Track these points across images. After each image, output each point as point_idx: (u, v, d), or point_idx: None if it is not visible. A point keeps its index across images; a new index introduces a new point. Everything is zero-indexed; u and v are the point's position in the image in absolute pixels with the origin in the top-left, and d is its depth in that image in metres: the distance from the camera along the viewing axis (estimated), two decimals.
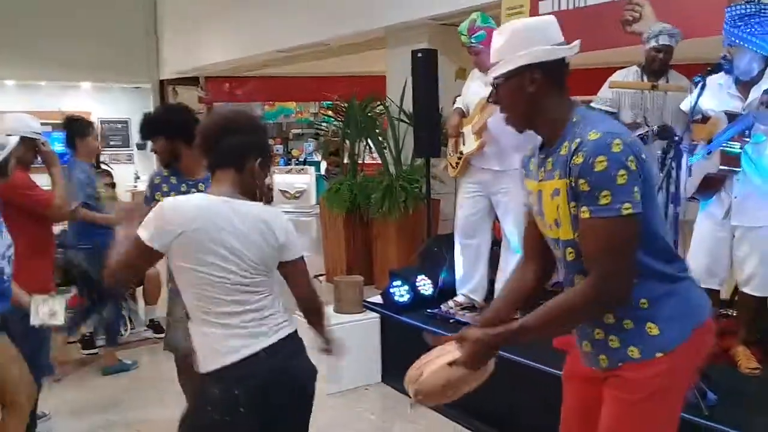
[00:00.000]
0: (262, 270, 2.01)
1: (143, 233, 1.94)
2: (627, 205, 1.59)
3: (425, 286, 4.59)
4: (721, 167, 3.17)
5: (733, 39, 3.16)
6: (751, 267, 3.23)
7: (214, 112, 2.15)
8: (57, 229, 4.90)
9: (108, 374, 4.76)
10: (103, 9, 9.80)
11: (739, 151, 3.14)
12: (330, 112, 7.53)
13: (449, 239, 4.73)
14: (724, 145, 3.13)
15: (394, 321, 4.34)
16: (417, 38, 6.09)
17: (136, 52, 10.42)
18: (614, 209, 1.59)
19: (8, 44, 9.15)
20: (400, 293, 4.46)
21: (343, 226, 6.17)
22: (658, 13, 4.02)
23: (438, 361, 1.84)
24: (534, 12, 4.74)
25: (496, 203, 4.17)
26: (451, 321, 4.13)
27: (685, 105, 3.38)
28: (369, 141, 6.64)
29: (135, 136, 10.73)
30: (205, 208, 1.96)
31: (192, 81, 10.88)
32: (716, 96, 3.24)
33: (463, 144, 4.19)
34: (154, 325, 5.59)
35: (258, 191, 2.08)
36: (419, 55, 5.27)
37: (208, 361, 2.01)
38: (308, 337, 2.23)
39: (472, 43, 4.01)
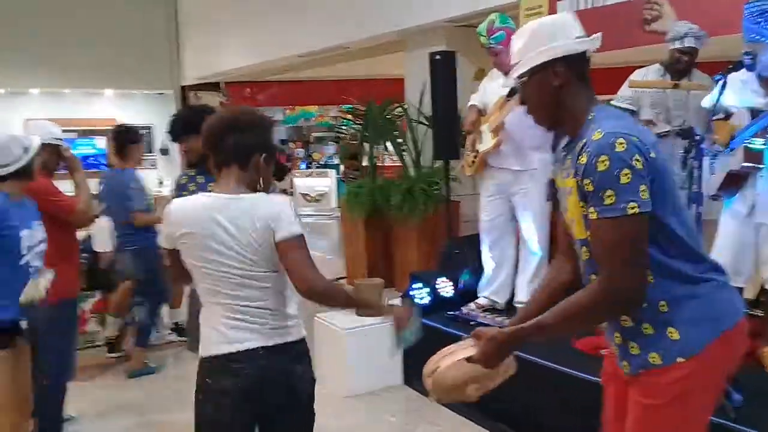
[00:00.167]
0: (262, 264, 2.01)
1: (160, 237, 2.05)
2: (632, 204, 1.57)
3: (446, 288, 4.58)
4: (744, 164, 3.12)
5: (753, 35, 3.11)
6: None
7: (218, 111, 2.17)
8: (82, 234, 5.01)
9: (133, 377, 4.82)
10: (125, 17, 9.92)
11: (763, 147, 3.10)
12: (349, 116, 7.56)
13: (470, 241, 4.73)
14: (747, 141, 3.09)
15: None
16: (435, 40, 6.08)
17: (157, 58, 10.52)
18: (619, 209, 1.58)
19: (32, 53, 9.29)
20: (421, 295, 4.46)
21: (363, 229, 6.19)
22: (678, 11, 3.98)
23: (453, 356, 1.85)
24: (552, 12, 4.71)
25: (516, 204, 4.16)
26: (472, 323, 4.11)
27: (707, 103, 3.34)
28: (388, 144, 6.66)
29: (158, 142, 10.84)
30: (201, 208, 2.03)
31: (213, 86, 10.96)
32: (739, 93, 3.20)
33: (480, 142, 4.18)
34: (177, 328, 5.66)
35: (263, 184, 2.11)
36: (437, 57, 5.27)
37: (205, 347, 2.09)
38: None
39: (491, 44, 4.00)
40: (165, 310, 5.77)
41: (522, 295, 4.15)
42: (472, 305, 4.34)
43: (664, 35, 3.95)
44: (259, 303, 2.04)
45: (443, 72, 5.23)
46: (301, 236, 2.00)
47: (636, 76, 4.01)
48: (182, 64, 10.82)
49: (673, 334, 1.68)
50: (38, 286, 2.86)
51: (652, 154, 1.61)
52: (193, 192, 3.12)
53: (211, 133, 2.09)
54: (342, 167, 11.36)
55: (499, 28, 3.94)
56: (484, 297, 4.34)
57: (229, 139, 2.05)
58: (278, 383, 2.05)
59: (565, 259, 1.96)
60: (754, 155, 3.11)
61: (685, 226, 1.70)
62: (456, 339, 1.99)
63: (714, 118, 3.19)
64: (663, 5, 4.11)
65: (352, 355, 4.29)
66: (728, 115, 3.25)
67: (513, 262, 4.31)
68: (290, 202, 2.06)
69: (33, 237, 2.86)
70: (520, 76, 1.79)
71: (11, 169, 2.83)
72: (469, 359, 1.81)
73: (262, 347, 2.03)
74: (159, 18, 10.55)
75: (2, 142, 2.86)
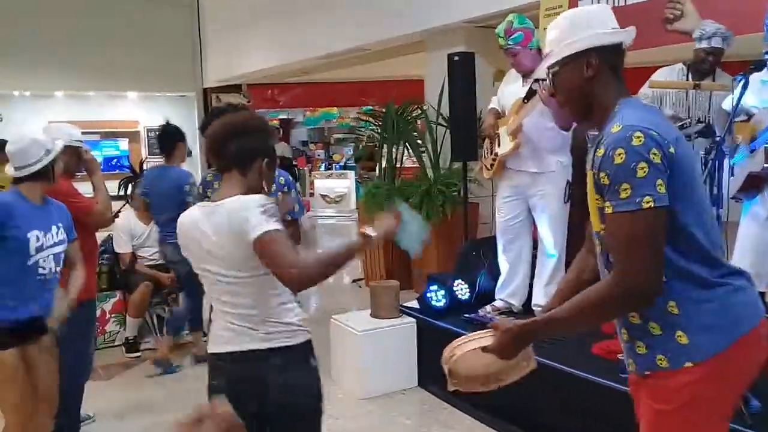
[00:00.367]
0: (244, 268, 1.99)
1: None
2: (648, 198, 1.54)
3: (462, 290, 4.55)
4: (766, 165, 3.07)
5: None
6: None
7: (222, 117, 2.18)
8: (103, 235, 5.08)
9: (152, 377, 4.85)
10: (148, 20, 10.02)
11: None
12: (368, 117, 7.57)
13: (487, 243, 4.69)
14: None
15: (430, 326, 4.32)
16: (455, 41, 6.06)
17: (180, 61, 10.63)
18: (634, 202, 1.55)
19: (57, 56, 9.43)
20: (437, 298, 4.43)
21: None
22: (700, 10, 3.92)
23: (470, 344, 1.86)
24: None
25: (533, 206, 4.12)
26: (488, 326, 4.08)
27: (727, 104, 3.28)
28: (407, 145, 6.65)
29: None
30: (192, 218, 2.09)
31: (235, 88, 11.06)
32: (760, 93, 3.15)
33: (498, 145, 4.15)
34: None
35: (265, 189, 2.12)
36: (456, 58, 5.25)
37: (208, 346, 2.19)
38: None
39: (509, 45, 3.96)
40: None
41: (538, 298, 4.11)
42: (488, 308, 4.31)
43: (685, 35, 3.89)
44: (241, 309, 2.05)
45: (462, 73, 5.20)
46: (274, 231, 1.91)
47: (658, 75, 3.95)
48: (204, 67, 10.92)
49: (682, 338, 1.64)
50: (62, 308, 2.93)
51: (672, 149, 1.58)
52: (216, 189, 3.17)
53: (214, 138, 2.10)
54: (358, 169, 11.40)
55: (517, 29, 3.91)
56: (501, 300, 4.31)
57: (232, 144, 2.06)
58: (246, 391, 2.02)
59: (589, 254, 1.94)
60: None
61: (705, 228, 1.65)
62: None
63: (736, 119, 3.12)
64: (685, 4, 4.04)
65: (367, 357, 4.28)
66: (750, 116, 3.20)
67: (529, 265, 4.27)
68: (261, 199, 1.97)
69: (47, 239, 2.88)
70: (552, 66, 1.77)
71: (30, 170, 2.87)
72: (484, 349, 1.82)
73: (239, 351, 2.05)
74: (181, 21, 10.65)
75: (24, 144, 2.89)
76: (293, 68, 9.28)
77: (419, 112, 6.66)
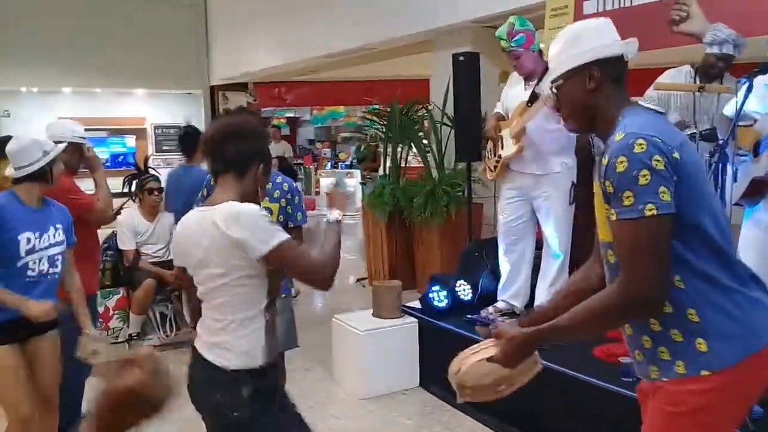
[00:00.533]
0: (216, 275, 2.00)
1: None
2: (650, 206, 1.55)
3: (464, 291, 4.54)
4: None
5: None
6: None
7: (218, 120, 2.18)
8: (107, 232, 5.10)
9: None
10: (155, 18, 10.07)
11: None
12: (373, 116, 7.56)
13: (491, 243, 4.68)
14: None
15: (432, 326, 4.31)
16: (461, 41, 6.05)
17: (187, 59, 10.66)
18: (636, 210, 1.56)
19: (65, 53, 9.49)
20: (439, 298, 4.43)
21: (385, 230, 6.19)
22: (706, 11, 3.89)
23: (475, 357, 1.88)
24: (578, 12, 4.64)
25: (537, 208, 4.10)
26: (492, 334, 4.06)
27: (728, 110, 3.25)
28: (411, 145, 6.64)
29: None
30: (184, 225, 2.09)
31: (241, 87, 11.08)
32: (764, 98, 3.11)
33: (502, 147, 4.14)
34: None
35: (259, 194, 2.13)
36: (461, 58, 5.24)
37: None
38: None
39: (512, 47, 3.94)
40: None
41: (542, 299, 4.10)
42: (490, 309, 4.29)
43: (691, 36, 3.86)
44: (213, 319, 2.06)
45: (466, 73, 5.19)
46: (286, 241, 1.94)
47: (665, 77, 3.92)
48: (211, 65, 10.94)
49: (701, 345, 1.63)
50: (86, 347, 2.98)
51: (676, 155, 1.58)
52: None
53: (212, 141, 2.09)
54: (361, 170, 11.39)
55: (519, 31, 3.89)
56: (503, 301, 4.30)
57: (229, 147, 2.05)
58: (197, 396, 2.13)
59: (595, 263, 1.94)
60: None
61: (722, 232, 1.66)
62: (474, 342, 1.99)
63: (740, 123, 3.09)
64: (691, 5, 4.01)
65: (369, 356, 4.28)
66: (754, 121, 3.17)
67: (531, 266, 4.25)
68: (260, 209, 1.98)
69: (41, 241, 2.87)
70: (555, 80, 1.79)
71: (26, 171, 2.86)
72: (489, 359, 1.83)
73: (200, 355, 2.07)
74: (188, 19, 10.68)
75: (23, 145, 2.88)
76: (298, 67, 9.29)
77: (424, 112, 6.65)
